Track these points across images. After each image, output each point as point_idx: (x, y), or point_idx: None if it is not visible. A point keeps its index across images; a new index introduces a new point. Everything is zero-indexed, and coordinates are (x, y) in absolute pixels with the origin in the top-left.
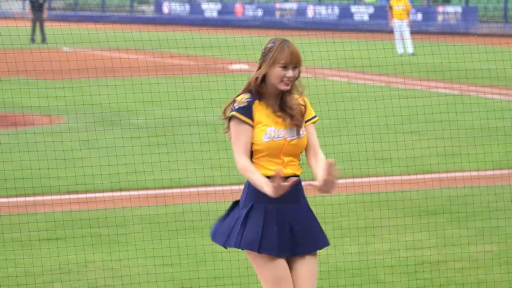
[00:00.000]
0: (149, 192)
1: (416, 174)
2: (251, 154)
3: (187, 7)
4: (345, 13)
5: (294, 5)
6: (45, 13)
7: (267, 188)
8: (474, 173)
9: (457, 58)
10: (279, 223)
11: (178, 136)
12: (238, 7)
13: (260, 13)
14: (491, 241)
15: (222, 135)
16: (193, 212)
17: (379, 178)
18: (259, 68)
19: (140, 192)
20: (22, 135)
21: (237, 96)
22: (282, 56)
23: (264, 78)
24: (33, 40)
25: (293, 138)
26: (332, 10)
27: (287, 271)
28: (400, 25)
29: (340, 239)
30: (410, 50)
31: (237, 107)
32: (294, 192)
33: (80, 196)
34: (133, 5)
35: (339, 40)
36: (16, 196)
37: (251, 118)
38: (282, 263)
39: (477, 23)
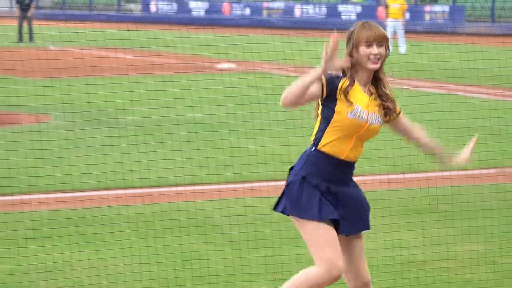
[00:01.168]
0: (135, 191)
1: (403, 173)
2: (326, 125)
3: (175, 6)
4: (333, 12)
5: (281, 4)
6: (32, 12)
7: (318, 68)
8: (460, 173)
9: (444, 58)
10: (331, 197)
11: (165, 135)
12: (225, 6)
13: (247, 12)
14: (477, 240)
15: (209, 134)
16: (180, 211)
17: (365, 177)
18: (348, 52)
19: (127, 191)
20: (9, 134)
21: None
22: (364, 34)
23: (355, 63)
24: (20, 39)
25: (373, 123)
26: (320, 9)
27: (335, 236)
28: (394, 24)
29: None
30: (402, 49)
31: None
32: (343, 175)
33: (66, 195)
34: (120, 3)
35: (327, 39)
36: (3, 194)
37: (332, 86)
38: (332, 229)
39: (464, 22)
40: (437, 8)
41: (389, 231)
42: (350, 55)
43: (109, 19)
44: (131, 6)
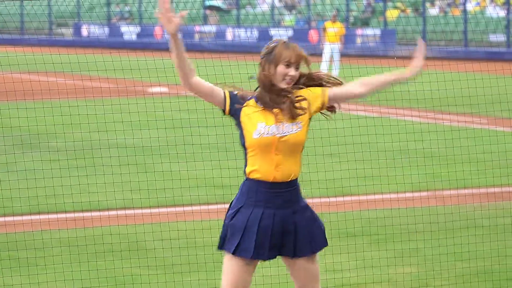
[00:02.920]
0: (68, 215)
1: (335, 197)
2: (245, 152)
3: (106, 29)
4: (264, 35)
5: (213, 28)
6: None
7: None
8: (393, 196)
9: None
10: (263, 226)
11: (97, 159)
12: (157, 29)
13: (179, 35)
14: (410, 263)
15: (141, 158)
16: (112, 235)
17: None
18: (263, 67)
19: (59, 215)
20: None
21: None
22: (286, 54)
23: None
24: None
25: (285, 134)
26: (252, 33)
27: (248, 277)
28: (332, 47)
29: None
30: (335, 73)
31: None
32: (280, 199)
33: None
34: (52, 28)
35: (258, 63)
36: None
37: (235, 106)
38: (251, 270)
39: (396, 45)
40: (369, 31)
41: (322, 254)
42: (263, 66)
43: (40, 43)
44: (62, 30)
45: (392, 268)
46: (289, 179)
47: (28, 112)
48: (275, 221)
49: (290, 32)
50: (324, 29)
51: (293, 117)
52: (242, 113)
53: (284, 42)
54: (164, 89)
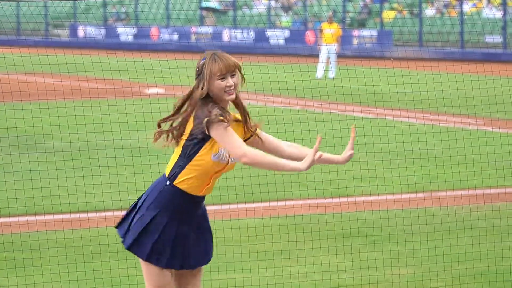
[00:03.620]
0: (64, 216)
1: (332, 198)
2: (186, 163)
3: (103, 30)
4: (261, 37)
5: (210, 29)
6: None
7: (304, 163)
8: (389, 197)
9: (373, 82)
10: (178, 234)
11: (94, 159)
12: (154, 30)
13: (176, 37)
14: (407, 264)
15: (138, 159)
16: (108, 236)
17: (294, 202)
18: (197, 86)
19: (55, 216)
20: None
21: (163, 119)
22: (217, 68)
23: (207, 95)
24: None
25: (234, 160)
26: (248, 34)
27: (170, 281)
28: (328, 48)
29: (255, 262)
30: (332, 74)
31: (217, 112)
32: (196, 209)
33: None
34: (48, 28)
35: (255, 64)
36: None
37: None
38: (167, 273)
39: (393, 46)
40: (365, 32)
41: (318, 255)
42: (199, 85)
43: (36, 44)
44: (59, 31)
45: (388, 269)
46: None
47: (25, 113)
48: (193, 229)
49: (286, 33)
50: (321, 30)
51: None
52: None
53: (212, 55)
54: (160, 90)
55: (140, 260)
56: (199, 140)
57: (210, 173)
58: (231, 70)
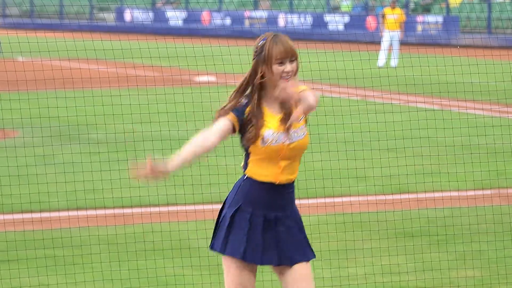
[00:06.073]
0: (107, 211)
1: (392, 194)
2: (248, 155)
3: (151, 14)
4: (319, 22)
5: (264, 13)
6: None
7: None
8: (454, 194)
9: (438, 71)
10: (264, 229)
11: (140, 151)
12: (205, 15)
13: (228, 21)
14: (473, 266)
15: None
16: (154, 232)
17: (353, 198)
18: (254, 68)
19: (98, 212)
20: None
21: (231, 98)
22: (277, 51)
23: (262, 77)
24: None
25: (292, 141)
26: (305, 19)
27: (252, 281)
28: (391, 35)
29: (311, 262)
30: (394, 62)
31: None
32: (281, 201)
33: (34, 215)
34: (93, 12)
35: (312, 51)
36: None
37: (242, 119)
38: (252, 272)
39: (459, 33)
40: (430, 18)
41: (379, 256)
42: (255, 67)
43: (81, 28)
44: (104, 15)
45: (454, 271)
46: (292, 180)
47: (68, 102)
48: (271, 223)
49: (346, 19)
50: (383, 16)
51: (298, 121)
52: (245, 121)
53: (273, 37)
54: (212, 78)
55: (225, 265)
56: (243, 131)
57: (273, 157)
58: (291, 55)
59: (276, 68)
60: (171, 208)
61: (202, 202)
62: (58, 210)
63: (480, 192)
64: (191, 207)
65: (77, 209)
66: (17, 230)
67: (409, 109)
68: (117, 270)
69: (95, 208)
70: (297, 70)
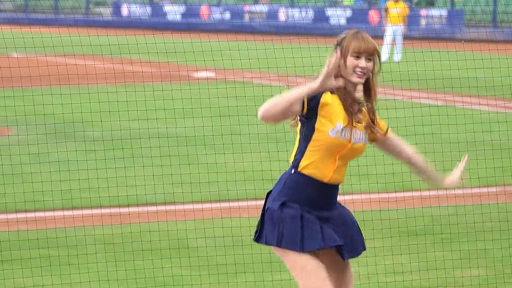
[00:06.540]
0: (103, 210)
1: (396, 192)
2: (306, 145)
3: (148, 9)
4: (321, 16)
5: (265, 8)
6: None
7: (313, 84)
8: (459, 191)
9: (442, 66)
10: (317, 219)
11: (136, 149)
12: (203, 9)
13: (227, 16)
14: (478, 265)
15: (184, 149)
16: (151, 232)
17: (355, 196)
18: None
19: (94, 211)
20: None
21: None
22: (355, 44)
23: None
24: None
25: (357, 142)
26: (307, 13)
27: (319, 266)
28: (394, 29)
29: None
30: (397, 57)
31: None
32: (327, 201)
33: (28, 215)
34: (89, 7)
35: (314, 46)
36: None
37: (313, 101)
38: (313, 257)
39: (464, 27)
40: (434, 12)
41: (382, 255)
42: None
43: (76, 24)
44: (101, 9)
45: (458, 270)
46: (340, 183)
47: (63, 98)
48: (324, 220)
49: (348, 13)
50: (386, 10)
51: (369, 126)
52: (320, 104)
53: (355, 32)
54: (210, 74)
55: (281, 255)
56: (312, 116)
57: (333, 152)
58: (369, 53)
59: (351, 60)
60: (168, 207)
61: (201, 200)
62: (53, 209)
63: (485, 190)
64: (189, 206)
65: (73, 208)
66: (11, 230)
67: (412, 105)
68: (114, 270)
69: (91, 207)
70: (373, 70)
